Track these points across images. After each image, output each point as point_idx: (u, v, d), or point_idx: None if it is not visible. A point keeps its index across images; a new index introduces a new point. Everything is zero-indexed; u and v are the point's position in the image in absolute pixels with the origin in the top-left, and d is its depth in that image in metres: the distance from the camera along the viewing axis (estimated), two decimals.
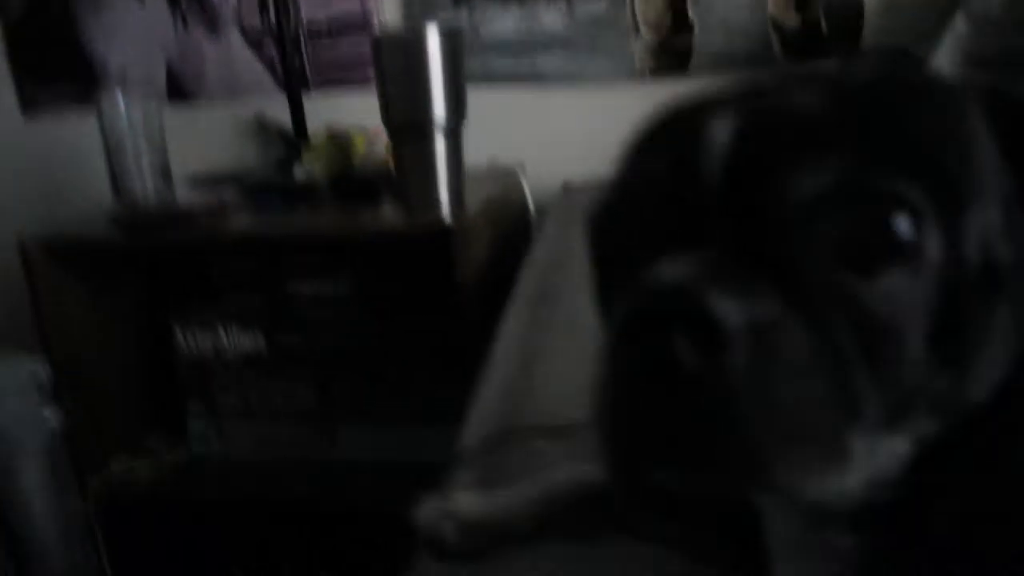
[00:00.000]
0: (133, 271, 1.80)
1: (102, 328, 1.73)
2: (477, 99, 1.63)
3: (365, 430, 1.68)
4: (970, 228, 0.41)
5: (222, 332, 1.75)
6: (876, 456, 0.40)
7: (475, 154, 1.72)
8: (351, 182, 1.63)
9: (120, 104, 1.70)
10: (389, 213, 1.52)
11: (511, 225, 1.64)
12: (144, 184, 1.74)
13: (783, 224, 0.40)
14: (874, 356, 0.40)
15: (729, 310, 0.38)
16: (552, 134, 1.88)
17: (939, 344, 0.41)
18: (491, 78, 1.89)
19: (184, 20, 2.11)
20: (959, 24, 1.40)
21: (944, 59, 1.41)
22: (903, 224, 0.39)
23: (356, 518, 1.57)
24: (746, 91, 0.47)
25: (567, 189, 1.71)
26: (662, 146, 0.47)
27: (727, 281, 0.39)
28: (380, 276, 1.65)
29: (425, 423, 1.61)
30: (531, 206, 1.79)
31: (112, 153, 1.69)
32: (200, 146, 2.06)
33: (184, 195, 1.80)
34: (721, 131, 0.44)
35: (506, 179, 1.74)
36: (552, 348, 1.08)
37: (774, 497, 0.45)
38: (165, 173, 1.79)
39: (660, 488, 0.42)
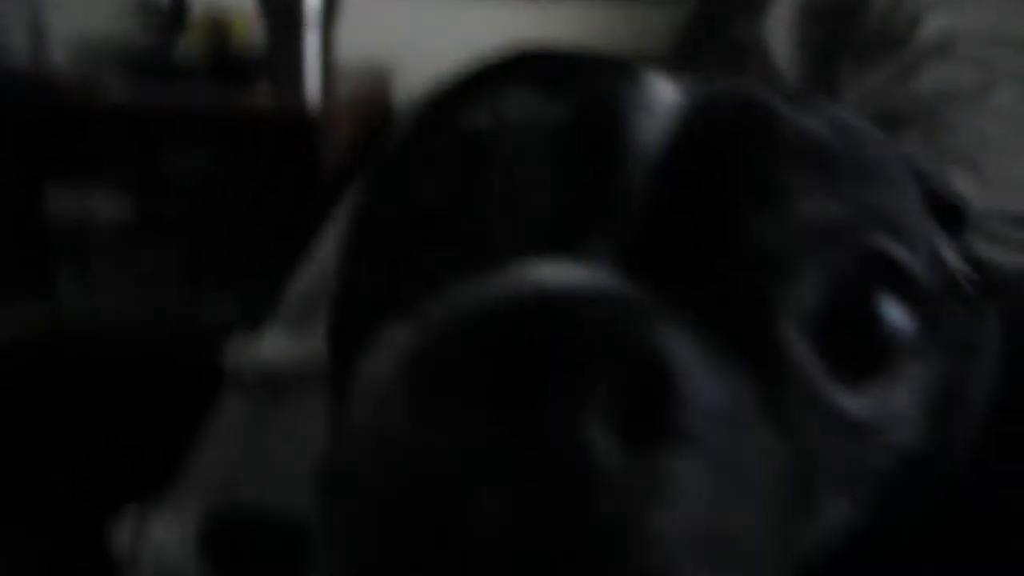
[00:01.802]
0: (5, 131, 1.79)
1: None
2: None
3: (229, 299, 1.73)
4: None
5: (93, 197, 1.78)
6: None
7: (352, 53, 1.78)
8: (227, 63, 1.67)
9: None
10: (260, 96, 1.57)
11: (376, 123, 1.70)
12: (17, 47, 1.73)
13: (765, 259, 0.26)
14: (824, 492, 0.26)
15: (701, 374, 0.22)
16: (428, 39, 1.92)
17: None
18: None
19: None
20: None
21: (781, 9, 1.53)
22: (897, 317, 0.27)
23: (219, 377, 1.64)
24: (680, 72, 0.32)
25: None
26: (554, 79, 0.30)
27: (679, 324, 0.23)
28: (247, 154, 1.70)
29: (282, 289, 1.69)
30: (398, 106, 1.86)
31: None
32: (81, 16, 2.03)
33: (60, 60, 1.80)
34: (666, 95, 0.29)
35: (376, 78, 1.79)
36: None
37: None
38: (41, 37, 1.78)
39: None
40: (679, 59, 1.80)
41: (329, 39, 1.52)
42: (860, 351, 0.26)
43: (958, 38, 1.38)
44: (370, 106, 1.72)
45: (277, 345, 0.84)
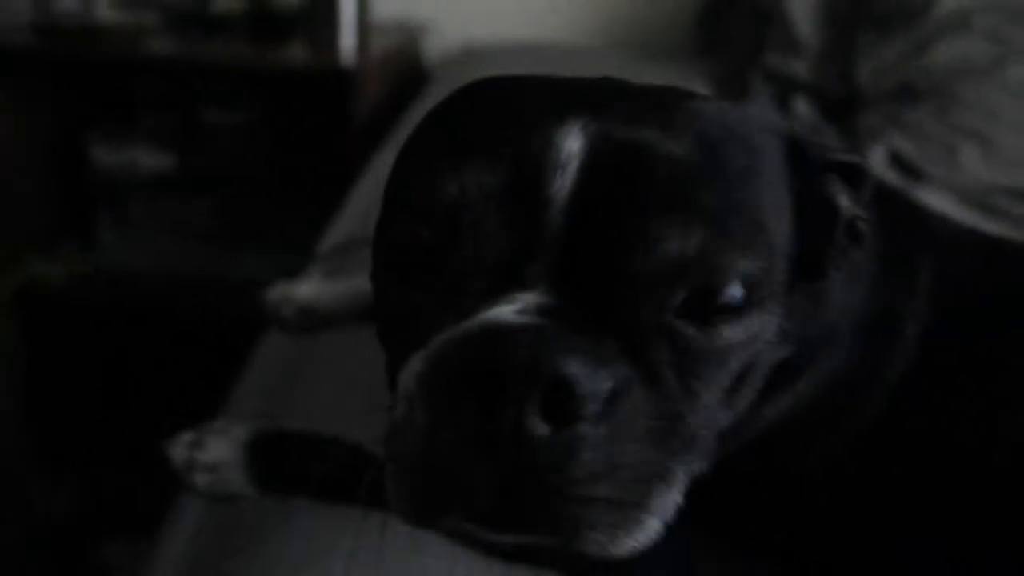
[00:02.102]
0: (51, 82, 1.86)
1: (17, 133, 1.80)
2: None
3: (262, 252, 1.82)
4: (776, 300, 0.45)
5: (135, 149, 1.86)
6: (667, 510, 0.41)
7: (385, 9, 1.83)
8: (265, 19, 1.73)
9: None
10: (297, 51, 1.63)
11: (408, 78, 1.76)
12: (66, 4, 1.80)
13: (640, 281, 0.40)
14: (690, 411, 0.42)
15: (587, 377, 0.36)
16: None
17: (725, 398, 0.45)
18: None
19: None
20: None
21: (800, 2, 1.57)
22: (738, 293, 0.42)
23: (251, 329, 1.71)
24: (588, 98, 0.44)
25: (467, 50, 1.83)
26: (496, 147, 0.42)
27: (577, 338, 0.38)
28: (285, 109, 1.77)
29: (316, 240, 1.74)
30: (429, 63, 1.92)
31: None
32: None
33: (105, 13, 1.86)
34: (572, 144, 0.41)
35: (409, 34, 1.85)
36: None
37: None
38: None
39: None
40: (705, 22, 1.84)
41: None
42: (714, 316, 0.42)
43: (974, 13, 1.41)
44: (402, 62, 1.78)
45: (314, 288, 0.92)
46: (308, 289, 0.92)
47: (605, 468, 0.37)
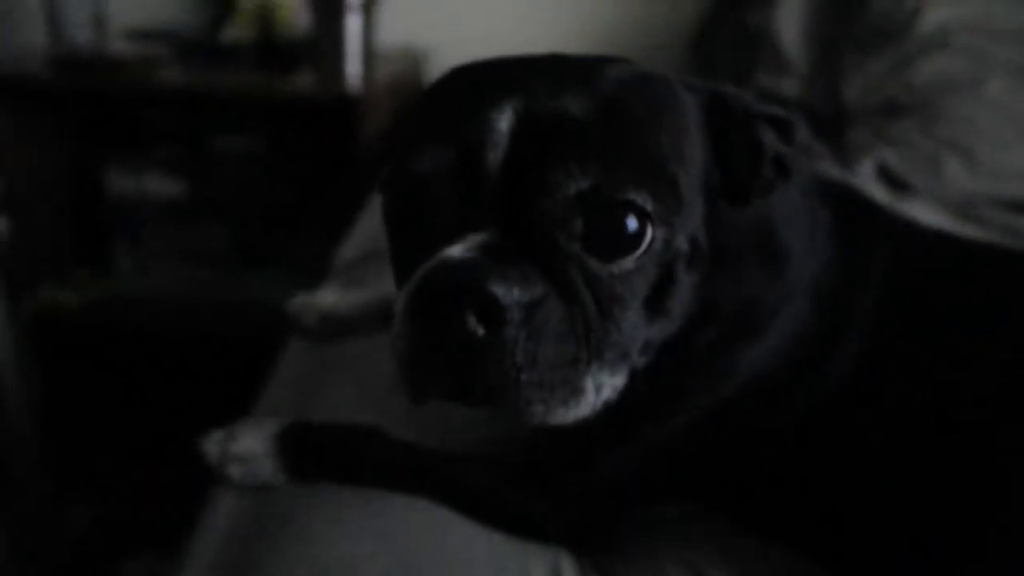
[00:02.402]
0: (66, 112, 1.91)
1: (33, 162, 1.85)
2: None
3: (271, 275, 1.88)
4: (683, 223, 0.56)
5: (147, 177, 1.91)
6: (603, 391, 0.54)
7: (390, 37, 1.89)
8: (273, 48, 1.79)
9: None
10: (304, 79, 1.69)
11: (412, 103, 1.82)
12: (78, 30, 1.86)
13: (549, 217, 0.52)
14: (609, 319, 0.54)
15: (507, 294, 0.49)
16: (460, 24, 2.02)
17: (653, 304, 0.56)
18: None
19: None
20: None
21: (791, 1, 1.63)
22: (634, 224, 0.53)
23: (261, 351, 1.75)
24: (522, 80, 0.55)
25: None
26: (448, 133, 0.54)
27: (504, 266, 0.50)
28: (292, 136, 1.82)
29: (324, 269, 1.80)
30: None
31: None
32: (138, 5, 2.15)
33: (118, 45, 1.92)
34: (503, 124, 0.53)
35: (413, 61, 1.91)
36: None
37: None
38: (100, 21, 1.91)
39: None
40: (699, 45, 1.91)
41: (370, 24, 1.64)
42: (616, 243, 0.53)
43: (955, 31, 1.47)
44: (406, 87, 1.84)
45: (333, 297, 0.97)
46: (328, 298, 0.97)
47: (531, 358, 0.50)
